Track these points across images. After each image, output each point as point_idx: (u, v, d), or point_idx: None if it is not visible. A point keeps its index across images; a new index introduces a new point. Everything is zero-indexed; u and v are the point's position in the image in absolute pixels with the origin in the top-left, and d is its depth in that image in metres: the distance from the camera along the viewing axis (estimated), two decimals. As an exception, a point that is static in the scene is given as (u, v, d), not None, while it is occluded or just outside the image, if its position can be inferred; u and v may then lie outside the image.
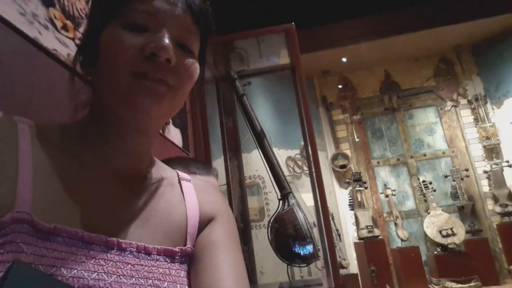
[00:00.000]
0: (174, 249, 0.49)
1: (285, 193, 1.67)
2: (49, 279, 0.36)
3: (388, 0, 3.44)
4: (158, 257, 0.47)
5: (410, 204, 4.78)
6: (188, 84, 0.50)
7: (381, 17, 3.65)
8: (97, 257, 0.41)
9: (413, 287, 3.95)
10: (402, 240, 4.25)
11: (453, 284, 3.85)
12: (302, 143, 2.07)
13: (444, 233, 4.06)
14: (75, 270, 0.39)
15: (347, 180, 4.70)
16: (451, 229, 4.07)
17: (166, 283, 0.46)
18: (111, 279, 0.41)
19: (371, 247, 4.14)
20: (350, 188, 4.59)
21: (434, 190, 4.40)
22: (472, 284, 3.82)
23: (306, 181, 3.61)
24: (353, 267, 4.41)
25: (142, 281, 0.44)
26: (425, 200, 4.43)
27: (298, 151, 4.43)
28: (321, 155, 4.46)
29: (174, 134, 1.69)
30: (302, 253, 1.52)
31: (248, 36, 2.09)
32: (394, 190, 4.57)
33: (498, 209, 4.20)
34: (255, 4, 3.11)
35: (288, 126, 4.02)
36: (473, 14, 3.75)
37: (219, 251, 0.51)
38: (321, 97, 5.20)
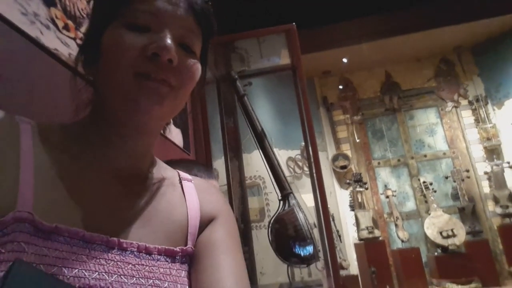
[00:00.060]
0: (175, 249, 0.49)
1: (285, 194, 1.67)
2: (50, 278, 0.36)
3: (388, 0, 3.44)
4: (159, 257, 0.47)
5: (410, 205, 4.78)
6: (190, 84, 0.50)
7: (381, 17, 3.65)
8: (98, 257, 0.42)
9: (414, 288, 3.95)
10: (402, 241, 4.24)
11: (454, 286, 3.84)
12: (303, 143, 2.07)
13: (444, 234, 4.06)
14: (76, 270, 0.39)
15: (348, 180, 4.70)
16: (452, 230, 4.07)
17: (167, 283, 0.46)
18: (112, 279, 0.41)
19: (371, 248, 4.14)
20: (351, 188, 4.58)
21: (435, 191, 4.40)
22: (472, 285, 3.81)
23: (306, 181, 3.61)
24: (353, 268, 4.40)
25: (142, 280, 0.44)
26: (426, 201, 4.43)
27: (298, 151, 4.43)
28: (321, 156, 4.46)
29: (175, 134, 1.69)
30: (302, 254, 1.51)
31: (249, 37, 2.09)
32: (395, 191, 4.57)
33: (498, 210, 4.20)
34: (256, 5, 3.11)
35: (289, 127, 4.02)
36: (474, 14, 3.75)
37: (220, 251, 0.51)
38: (321, 97, 5.20)
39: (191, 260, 0.52)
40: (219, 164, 2.16)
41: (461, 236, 4.03)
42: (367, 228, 4.22)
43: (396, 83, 5.11)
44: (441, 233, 4.08)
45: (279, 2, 3.10)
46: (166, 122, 0.60)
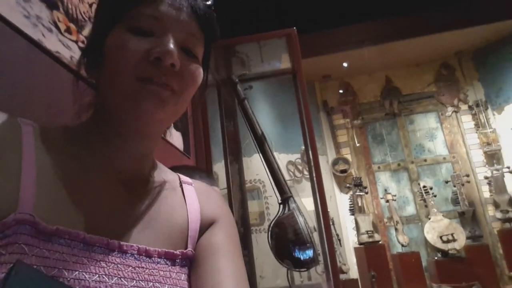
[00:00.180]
0: (175, 252, 0.50)
1: (285, 198, 1.67)
2: (50, 280, 0.36)
3: (389, 5, 3.46)
4: (159, 259, 0.47)
5: (410, 210, 4.77)
6: (192, 88, 0.50)
7: (382, 22, 3.66)
8: (99, 259, 0.42)
9: (413, 293, 3.94)
10: (402, 245, 4.23)
11: (454, 290, 3.83)
12: (303, 147, 2.07)
13: (444, 238, 4.05)
14: (77, 272, 0.39)
15: (348, 185, 4.69)
16: (452, 234, 4.06)
17: (167, 285, 0.46)
18: (112, 281, 0.41)
19: (371, 252, 4.13)
20: (351, 193, 4.58)
21: (435, 196, 4.39)
22: (472, 290, 3.80)
23: (306, 185, 3.60)
24: (353, 272, 4.39)
25: (142, 283, 0.44)
26: (426, 206, 4.42)
27: (298, 155, 4.43)
28: (321, 160, 4.46)
29: (175, 138, 1.69)
30: (302, 258, 1.51)
31: (249, 41, 2.09)
32: (395, 195, 4.56)
33: (498, 215, 4.19)
34: (257, 9, 3.12)
35: (289, 131, 4.02)
36: (474, 20, 3.76)
37: (220, 255, 0.51)
38: (322, 101, 5.21)
39: (191, 263, 0.52)
40: (219, 167, 2.16)
41: (461, 240, 4.02)
42: (367, 232, 4.21)
43: (396, 88, 5.12)
44: (441, 237, 4.07)
45: (280, 6, 3.11)
46: (167, 126, 0.61)
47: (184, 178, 0.61)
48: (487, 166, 4.57)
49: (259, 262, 2.40)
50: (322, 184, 1.74)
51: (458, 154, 4.80)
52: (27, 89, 0.76)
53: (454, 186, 4.43)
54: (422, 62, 5.06)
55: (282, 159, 4.25)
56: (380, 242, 4.26)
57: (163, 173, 0.59)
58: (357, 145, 5.02)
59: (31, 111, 0.76)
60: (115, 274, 0.42)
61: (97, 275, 0.40)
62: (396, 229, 4.33)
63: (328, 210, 1.75)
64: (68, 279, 0.38)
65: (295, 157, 4.44)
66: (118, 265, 0.43)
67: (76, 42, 0.94)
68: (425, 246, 4.52)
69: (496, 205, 4.24)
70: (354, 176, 4.72)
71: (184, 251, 0.51)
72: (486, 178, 4.47)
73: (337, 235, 4.40)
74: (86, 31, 0.99)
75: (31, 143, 0.43)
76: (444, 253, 4.05)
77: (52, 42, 0.85)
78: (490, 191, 4.43)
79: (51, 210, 0.41)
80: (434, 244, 4.09)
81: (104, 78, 0.48)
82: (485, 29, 4.24)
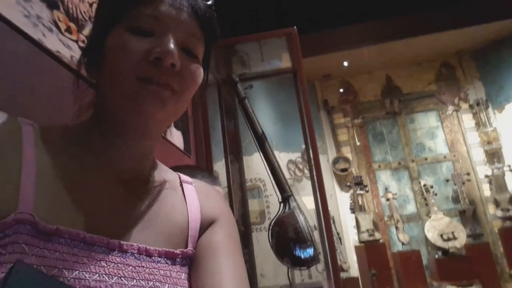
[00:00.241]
0: (175, 251, 0.50)
1: (286, 196, 1.67)
2: (50, 280, 0.36)
3: (389, 5, 3.45)
4: (159, 259, 0.48)
5: (411, 208, 4.77)
6: (192, 88, 0.50)
7: (382, 21, 3.66)
8: (99, 259, 0.42)
9: (414, 292, 3.94)
10: (403, 243, 4.24)
11: (454, 289, 3.83)
12: (303, 146, 2.07)
13: (445, 237, 4.05)
14: (77, 272, 0.39)
15: (348, 183, 4.69)
16: (452, 233, 4.06)
17: (167, 285, 0.46)
18: (112, 281, 0.41)
19: (372, 250, 4.13)
20: (351, 191, 4.58)
21: (435, 194, 4.39)
22: (473, 288, 3.80)
23: (307, 184, 3.61)
24: (354, 270, 4.39)
25: (143, 282, 0.44)
26: (426, 204, 4.42)
27: (299, 154, 4.42)
28: (322, 159, 4.46)
29: (176, 137, 1.69)
30: (302, 256, 1.51)
31: (250, 40, 2.09)
32: (395, 194, 4.56)
33: (499, 213, 4.19)
34: (257, 9, 3.12)
35: (290, 130, 4.02)
36: (475, 19, 3.76)
37: (220, 254, 0.52)
38: (322, 100, 5.20)
39: (192, 262, 0.52)
40: (219, 166, 2.16)
41: (461, 239, 4.02)
42: (367, 230, 4.22)
43: (397, 87, 5.11)
44: (441, 236, 4.07)
45: (279, 6, 3.11)
46: (167, 126, 0.61)
47: (184, 177, 0.61)
48: (487, 164, 4.56)
49: (259, 261, 2.40)
50: (323, 182, 1.74)
51: (459, 152, 4.80)
52: (27, 89, 0.76)
53: (455, 185, 4.43)
54: (423, 61, 5.05)
55: (282, 158, 4.25)
56: (380, 241, 4.26)
57: (163, 173, 0.59)
58: (358, 144, 5.02)
59: (31, 111, 0.76)
60: (115, 273, 0.42)
61: (97, 275, 0.41)
62: (396, 228, 4.33)
63: (329, 208, 1.75)
64: (68, 278, 0.38)
65: (296, 156, 4.44)
66: (118, 264, 0.43)
67: (76, 41, 0.94)
68: (426, 244, 4.52)
69: (497, 204, 4.24)
70: (355, 174, 4.73)
71: (184, 250, 0.51)
72: (486, 176, 4.47)
73: (338, 233, 4.40)
74: (87, 30, 0.99)
75: (31, 143, 0.43)
76: (445, 251, 4.06)
77: (52, 42, 0.85)
78: (491, 189, 4.43)
79: (51, 210, 0.41)
80: (435, 243, 4.10)
81: (104, 78, 0.48)
82: (486, 28, 4.23)
